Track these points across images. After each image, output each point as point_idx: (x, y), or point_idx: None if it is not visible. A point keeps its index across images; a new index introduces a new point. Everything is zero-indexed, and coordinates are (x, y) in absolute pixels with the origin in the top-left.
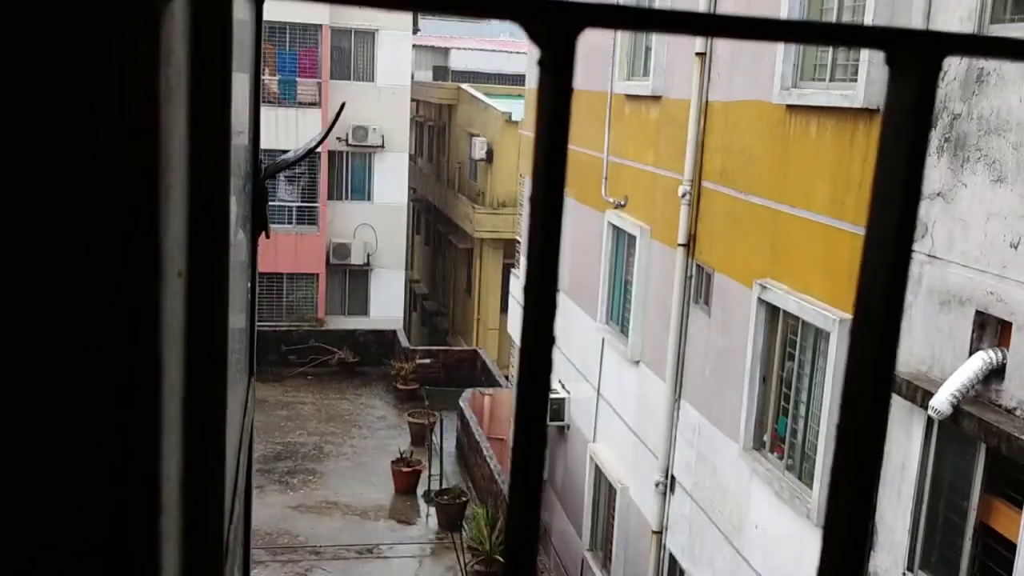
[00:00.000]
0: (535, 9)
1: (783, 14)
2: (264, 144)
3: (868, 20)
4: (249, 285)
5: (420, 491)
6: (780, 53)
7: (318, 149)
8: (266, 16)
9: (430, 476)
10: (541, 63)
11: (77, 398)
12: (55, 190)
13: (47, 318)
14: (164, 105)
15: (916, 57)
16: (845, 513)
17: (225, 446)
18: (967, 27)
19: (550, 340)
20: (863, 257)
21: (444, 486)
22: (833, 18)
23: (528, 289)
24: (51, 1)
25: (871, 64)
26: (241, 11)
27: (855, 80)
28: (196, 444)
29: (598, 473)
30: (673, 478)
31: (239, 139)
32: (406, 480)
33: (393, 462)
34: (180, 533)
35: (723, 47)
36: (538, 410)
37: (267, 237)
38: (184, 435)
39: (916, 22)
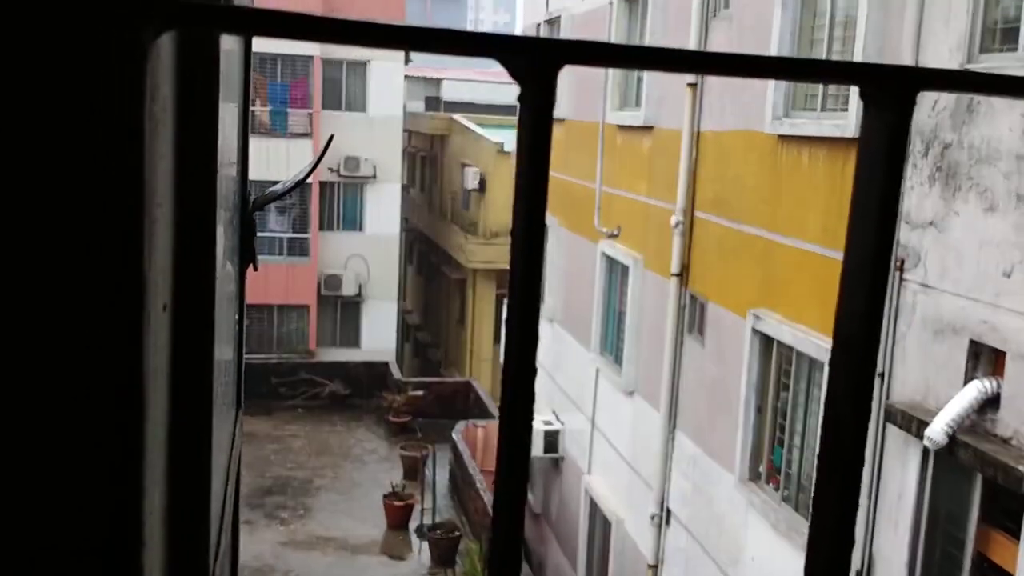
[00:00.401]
0: (514, 47)
1: (773, 45)
2: (254, 175)
3: (858, 49)
4: (237, 317)
5: (413, 526)
6: (771, 83)
7: (309, 180)
8: (257, 48)
9: (423, 510)
10: (521, 99)
11: (58, 431)
12: (38, 223)
13: (26, 352)
14: (149, 139)
15: (890, 92)
16: (828, 537)
17: (211, 480)
18: (956, 57)
19: (532, 370)
20: (840, 287)
21: (437, 520)
22: (824, 48)
23: (509, 323)
24: (38, 35)
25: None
26: (229, 42)
27: (846, 110)
28: (181, 478)
29: (593, 506)
30: (669, 510)
31: (227, 171)
32: (398, 514)
33: (385, 496)
34: (164, 567)
35: (715, 78)
36: (522, 439)
37: (255, 269)
38: (169, 469)
39: (906, 52)
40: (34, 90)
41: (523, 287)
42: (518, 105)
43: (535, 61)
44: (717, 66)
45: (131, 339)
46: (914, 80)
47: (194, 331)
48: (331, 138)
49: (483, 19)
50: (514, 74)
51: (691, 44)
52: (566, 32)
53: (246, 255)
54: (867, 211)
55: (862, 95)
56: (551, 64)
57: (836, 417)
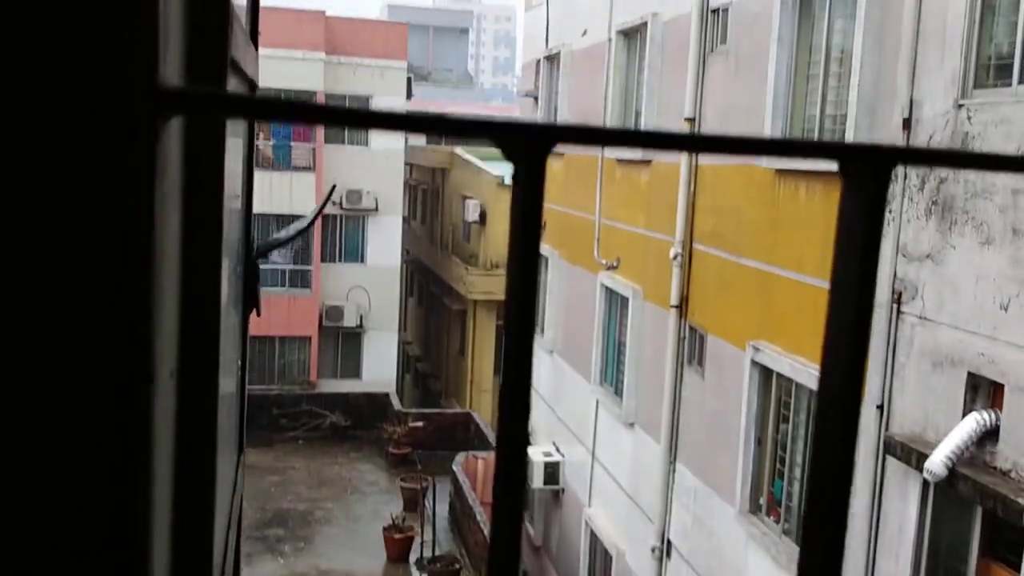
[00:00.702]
0: (507, 130)
1: (770, 79)
2: (258, 208)
3: (853, 84)
4: (239, 363)
5: (413, 558)
6: (769, 116)
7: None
8: (261, 82)
9: (423, 542)
10: (514, 178)
11: (61, 502)
12: (53, 294)
13: (35, 423)
14: (159, 216)
15: (866, 168)
16: (817, 567)
17: (212, 547)
18: (951, 92)
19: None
20: (822, 354)
21: (437, 553)
22: (819, 83)
23: (503, 396)
24: (52, 116)
25: (858, 129)
26: (236, 87)
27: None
28: (183, 543)
29: (593, 538)
30: (669, 542)
31: (232, 220)
32: (398, 547)
33: (385, 528)
34: None
35: (712, 111)
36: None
37: (258, 315)
38: (173, 533)
39: (901, 87)
40: (49, 173)
41: (516, 366)
42: (511, 183)
43: (527, 143)
44: (706, 146)
45: (138, 413)
46: (890, 157)
47: (198, 395)
48: (333, 187)
49: (484, 54)
50: (507, 155)
51: (689, 79)
52: (565, 66)
53: (249, 301)
54: (846, 283)
55: (841, 170)
56: (542, 146)
57: (822, 473)
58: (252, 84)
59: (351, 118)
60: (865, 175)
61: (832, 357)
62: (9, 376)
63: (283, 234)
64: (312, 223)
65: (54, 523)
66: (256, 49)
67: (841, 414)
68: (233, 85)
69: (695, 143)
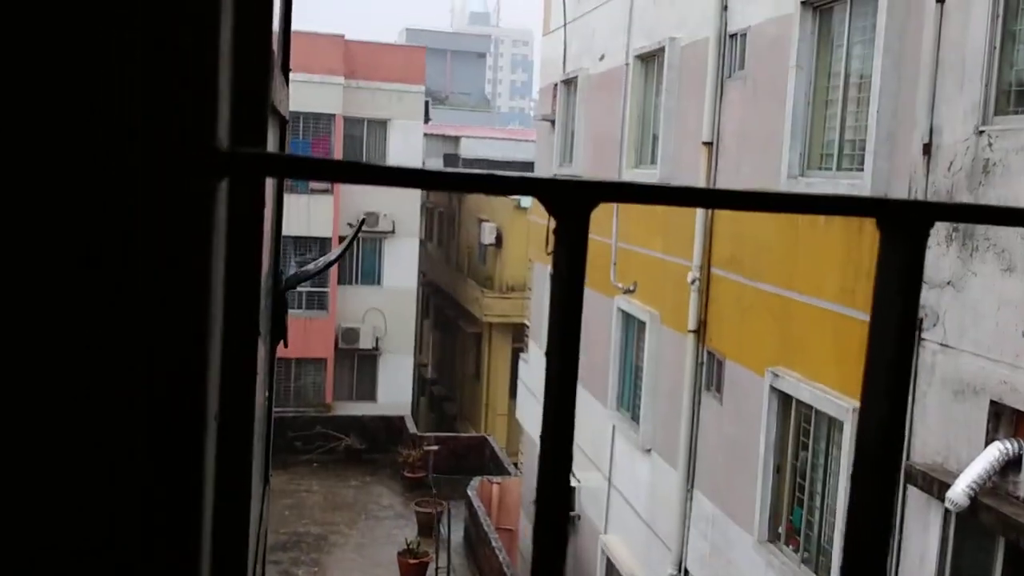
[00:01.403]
0: (553, 188)
1: (788, 105)
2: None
3: (872, 112)
4: (267, 395)
5: None
6: (787, 142)
7: (329, 236)
8: None
9: (437, 568)
10: (556, 233)
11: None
12: (119, 351)
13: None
14: (216, 273)
15: (905, 225)
16: None
17: None
18: (971, 119)
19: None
20: (861, 405)
21: None
22: (838, 109)
23: (542, 460)
24: (120, 183)
25: (877, 155)
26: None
27: (861, 169)
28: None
29: (609, 565)
30: (687, 571)
31: (263, 254)
32: (413, 572)
33: (399, 553)
34: None
35: (730, 137)
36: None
37: (285, 346)
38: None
39: (920, 114)
40: (119, 237)
41: (556, 416)
42: (554, 237)
43: (571, 200)
44: (739, 202)
45: (193, 454)
46: (928, 213)
47: (236, 440)
48: (362, 221)
49: (501, 78)
50: (551, 211)
51: (706, 104)
52: (582, 91)
53: (278, 333)
54: (885, 335)
55: (879, 225)
56: (585, 203)
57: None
58: (283, 120)
59: (393, 175)
60: (903, 232)
61: (871, 408)
62: (78, 424)
63: (311, 267)
64: (341, 256)
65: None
66: (288, 83)
67: (880, 474)
68: (270, 127)
69: (730, 199)
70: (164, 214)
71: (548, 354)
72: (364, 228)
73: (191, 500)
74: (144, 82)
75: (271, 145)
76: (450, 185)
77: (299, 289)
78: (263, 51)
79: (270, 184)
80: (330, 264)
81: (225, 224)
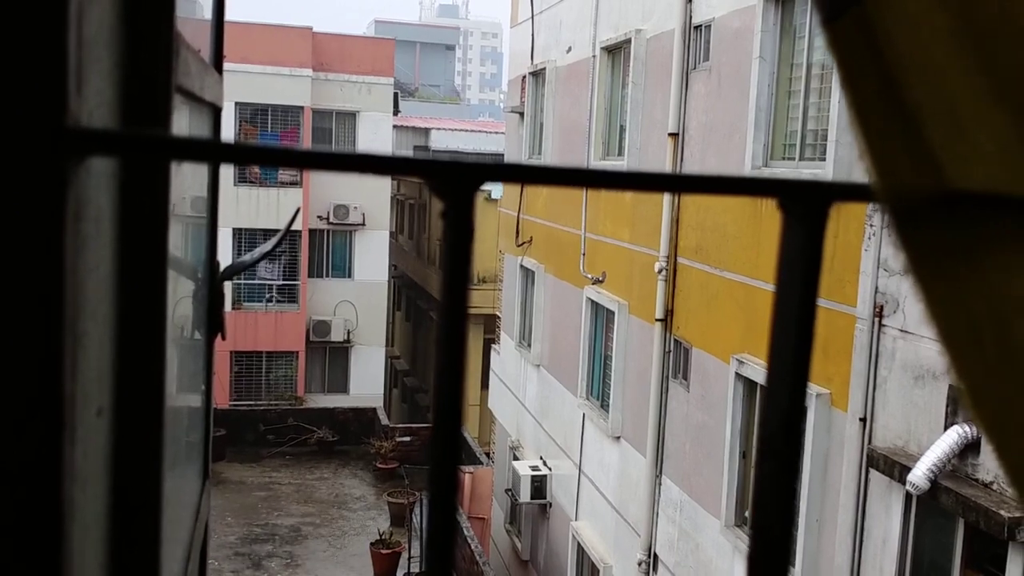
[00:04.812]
0: (436, 170)
1: (752, 96)
2: (246, 223)
3: (834, 102)
4: (204, 388)
5: (400, 573)
6: (751, 132)
7: (299, 229)
8: (248, 98)
9: (410, 558)
10: (443, 215)
11: None
12: None
13: None
14: (73, 257)
15: (805, 204)
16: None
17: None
18: None
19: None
20: (766, 386)
21: (424, 568)
22: (800, 98)
23: (432, 446)
24: None
25: (839, 143)
26: (195, 127)
27: (824, 159)
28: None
29: (580, 552)
30: (656, 556)
31: (192, 242)
32: (385, 562)
33: (372, 544)
34: None
35: (696, 127)
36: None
37: (223, 339)
38: (111, 565)
39: None
40: None
41: (444, 404)
42: (441, 220)
43: (455, 181)
44: (639, 183)
45: (50, 455)
46: (828, 192)
47: (139, 430)
48: (297, 210)
49: (471, 70)
50: (436, 193)
51: (672, 95)
52: (551, 82)
53: (214, 325)
54: (786, 318)
55: (780, 206)
56: (470, 184)
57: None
58: (215, 109)
59: (269, 156)
60: (804, 211)
61: (774, 393)
62: None
63: (248, 258)
64: (276, 246)
65: None
66: (220, 72)
67: (781, 462)
68: (186, 113)
69: (630, 180)
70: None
71: (437, 338)
72: (335, 221)
73: (50, 499)
74: None
75: (198, 127)
76: (333, 165)
77: (269, 282)
78: (160, 31)
79: (201, 171)
80: (266, 255)
81: (113, 207)
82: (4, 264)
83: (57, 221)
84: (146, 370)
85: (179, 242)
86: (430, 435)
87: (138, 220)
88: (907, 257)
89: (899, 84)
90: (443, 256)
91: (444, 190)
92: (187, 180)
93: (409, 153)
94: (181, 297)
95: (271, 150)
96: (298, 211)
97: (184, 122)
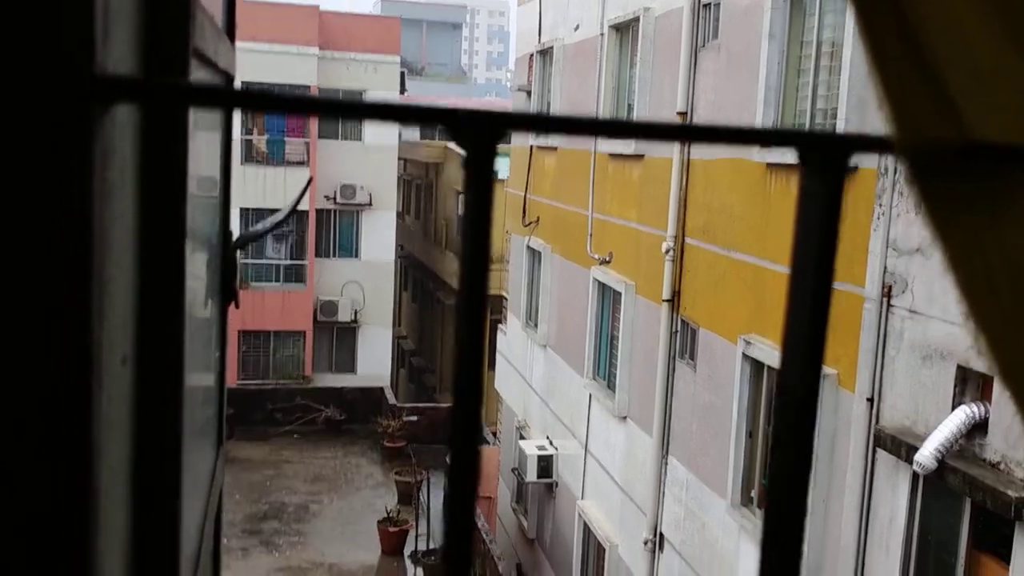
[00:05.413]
0: (459, 118)
1: (761, 74)
2: (253, 203)
3: (844, 80)
4: (218, 354)
5: (407, 551)
6: (760, 110)
7: (306, 209)
8: (254, 77)
9: (417, 536)
10: (466, 164)
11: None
12: None
13: None
14: (100, 205)
15: (824, 156)
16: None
17: (179, 530)
18: None
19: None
20: (783, 343)
21: (432, 546)
22: (810, 77)
23: (455, 387)
24: None
25: (848, 121)
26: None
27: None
28: (148, 529)
29: (587, 531)
30: (662, 535)
31: (207, 210)
32: (393, 540)
33: (380, 521)
34: None
35: (704, 107)
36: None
37: (236, 307)
38: (134, 519)
39: None
40: None
41: (466, 357)
42: (463, 169)
43: (478, 130)
44: (660, 134)
45: (80, 397)
46: (846, 145)
47: (160, 380)
48: (310, 180)
49: (478, 49)
50: (459, 141)
51: (681, 73)
52: (558, 61)
53: (227, 293)
54: (804, 272)
55: (800, 158)
56: (492, 133)
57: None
58: (228, 77)
59: (287, 104)
60: (823, 163)
61: (791, 346)
62: None
63: (260, 226)
64: (289, 215)
65: None
66: (232, 42)
67: (800, 401)
68: (202, 77)
69: (650, 131)
70: (34, 139)
71: (458, 288)
72: (342, 201)
73: (80, 439)
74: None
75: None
76: (352, 113)
77: (277, 262)
78: None
79: (215, 137)
80: (278, 223)
81: (136, 160)
82: (37, 208)
83: (86, 167)
84: (167, 321)
85: (193, 214)
86: (452, 383)
87: (159, 169)
88: (925, 207)
89: (918, 34)
90: (465, 206)
91: (467, 139)
92: (200, 158)
93: (416, 133)
94: (196, 259)
95: (289, 98)
96: (311, 180)
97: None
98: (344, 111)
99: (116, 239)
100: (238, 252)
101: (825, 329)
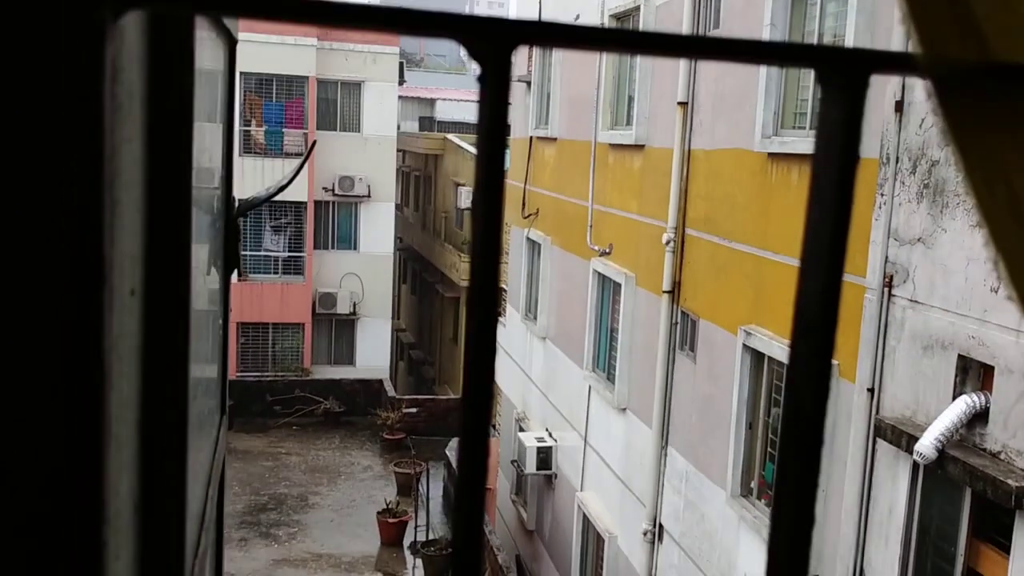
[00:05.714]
0: (472, 27)
1: (761, 76)
2: (251, 193)
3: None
4: (221, 322)
5: (407, 542)
6: (761, 102)
7: (304, 200)
8: (253, 68)
9: (416, 527)
10: (480, 79)
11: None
12: None
13: None
14: (110, 121)
15: (844, 74)
16: (789, 520)
17: (186, 468)
18: None
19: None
20: (800, 268)
21: (431, 537)
22: (811, 73)
23: (470, 303)
24: None
25: None
26: (213, 44)
27: None
28: (154, 463)
29: (586, 522)
30: (661, 526)
31: (210, 176)
32: (392, 531)
33: (379, 513)
34: (134, 553)
35: (705, 96)
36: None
37: (239, 277)
38: (140, 455)
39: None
40: None
41: (482, 275)
42: (477, 84)
43: (493, 41)
44: (671, 47)
45: (91, 319)
46: (868, 61)
47: (167, 318)
48: (313, 143)
49: None
50: (472, 53)
51: (682, 63)
52: (558, 52)
53: (231, 260)
54: (826, 192)
55: (818, 78)
56: (508, 44)
57: (796, 406)
58: (231, 41)
59: (293, 9)
60: (843, 82)
61: (809, 276)
62: None
63: (262, 193)
64: (291, 180)
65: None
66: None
67: (816, 344)
68: (206, 38)
69: (667, 44)
70: (47, 48)
71: (472, 211)
72: (340, 192)
73: (91, 360)
74: None
75: (215, 57)
76: (360, 22)
77: (275, 254)
78: None
79: (213, 88)
80: (281, 188)
81: (144, 77)
82: (49, 114)
83: (97, 75)
84: (174, 257)
85: (196, 197)
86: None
87: (166, 87)
88: (946, 126)
89: None
90: (478, 123)
91: (481, 50)
92: (203, 145)
93: (415, 124)
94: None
95: (296, 4)
96: (314, 144)
97: (215, 51)
98: (354, 19)
99: (126, 162)
100: (240, 220)
101: (842, 262)
